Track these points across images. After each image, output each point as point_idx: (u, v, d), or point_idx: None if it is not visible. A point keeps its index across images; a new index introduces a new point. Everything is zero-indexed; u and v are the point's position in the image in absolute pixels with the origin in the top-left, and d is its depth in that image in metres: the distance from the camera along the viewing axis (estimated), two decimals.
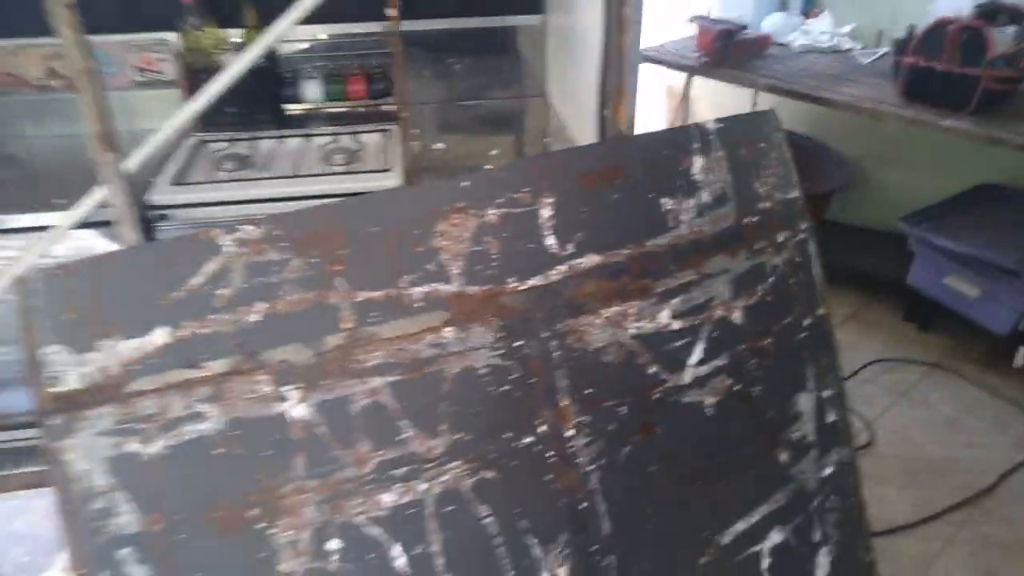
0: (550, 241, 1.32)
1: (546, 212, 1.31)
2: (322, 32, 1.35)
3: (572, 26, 1.83)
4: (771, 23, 3.40)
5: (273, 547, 1.29)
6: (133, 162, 1.35)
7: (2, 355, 1.72)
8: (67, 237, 1.52)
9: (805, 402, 1.63)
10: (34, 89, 1.97)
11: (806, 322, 1.61)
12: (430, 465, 1.33)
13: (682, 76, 3.44)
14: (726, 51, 3.02)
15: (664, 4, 4.22)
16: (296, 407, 1.31)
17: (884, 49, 3.14)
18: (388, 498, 1.32)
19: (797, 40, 3.29)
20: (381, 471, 1.32)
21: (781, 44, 3.33)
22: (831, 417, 1.70)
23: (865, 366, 3.07)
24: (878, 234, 3.42)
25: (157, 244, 1.42)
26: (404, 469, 1.32)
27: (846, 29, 3.32)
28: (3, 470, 1.63)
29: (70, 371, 1.27)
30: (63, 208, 1.56)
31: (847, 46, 3.27)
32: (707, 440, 1.50)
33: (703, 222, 1.44)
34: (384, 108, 2.06)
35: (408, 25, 1.97)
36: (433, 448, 1.33)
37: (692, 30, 3.21)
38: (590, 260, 1.34)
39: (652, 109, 4.55)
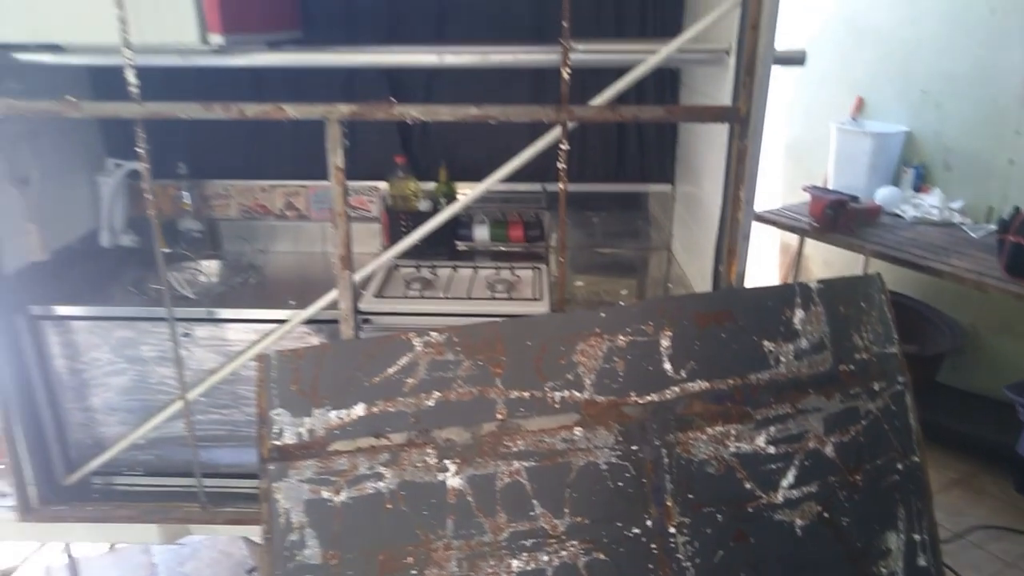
0: (667, 366, 1.60)
1: (665, 342, 1.60)
2: (493, 188, 1.74)
3: (696, 195, 2.19)
4: (883, 195, 3.63)
5: None
6: (358, 277, 1.78)
7: (243, 416, 2.17)
8: (295, 328, 1.96)
9: (895, 541, 1.76)
10: (275, 217, 2.57)
11: (900, 466, 1.76)
12: (553, 541, 1.58)
13: (797, 236, 3.73)
14: (837, 218, 3.28)
15: (786, 172, 4.58)
16: (453, 478, 1.62)
17: (993, 226, 3.27)
18: (516, 564, 1.58)
19: (909, 212, 3.49)
20: (513, 540, 1.59)
21: (894, 214, 3.56)
22: (922, 561, 1.80)
23: (971, 530, 3.01)
24: (989, 401, 3.39)
25: (365, 340, 1.81)
26: (531, 541, 1.58)
27: (956, 204, 3.49)
28: (218, 507, 2.02)
29: (288, 430, 1.65)
30: (292, 307, 2.03)
31: (957, 220, 3.41)
32: (795, 557, 1.66)
33: (801, 365, 1.67)
34: (536, 250, 2.47)
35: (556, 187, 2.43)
36: (557, 526, 1.59)
37: (807, 197, 3.53)
38: (699, 385, 1.60)
39: (768, 262, 4.82)
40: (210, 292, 2.27)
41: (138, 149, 1.58)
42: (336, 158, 1.56)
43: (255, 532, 2.32)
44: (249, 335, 2.04)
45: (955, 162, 3.62)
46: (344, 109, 1.52)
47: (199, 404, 2.02)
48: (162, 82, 1.70)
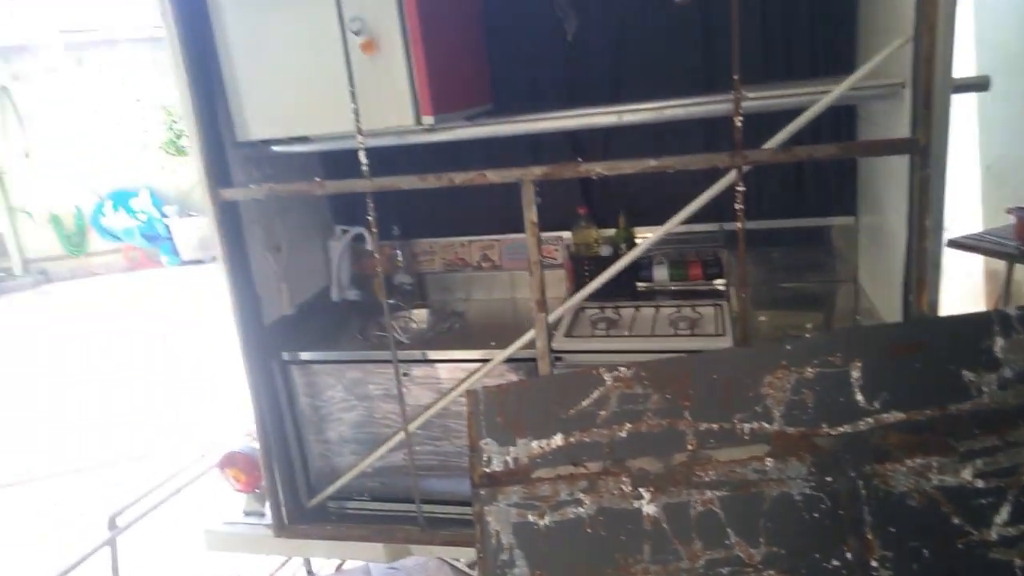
0: (859, 397, 1.59)
1: (856, 373, 1.60)
2: (672, 230, 1.84)
3: (881, 226, 2.14)
4: None
5: None
6: (551, 319, 1.96)
7: (452, 447, 2.42)
8: (496, 367, 2.17)
9: None
10: (473, 268, 2.87)
11: None
12: (750, 570, 1.61)
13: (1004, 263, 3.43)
14: None
15: (988, 195, 4.22)
16: (648, 505, 1.72)
17: None
18: None
19: None
20: (709, 567, 1.64)
21: None
22: None
23: None
24: None
25: (560, 376, 1.97)
26: (728, 569, 1.63)
27: None
28: (434, 530, 2.26)
29: (495, 458, 1.84)
30: (492, 348, 2.24)
31: None
32: None
33: (1007, 395, 1.59)
34: (715, 287, 2.51)
35: (734, 225, 2.47)
36: (753, 556, 1.62)
37: (1013, 220, 3.24)
38: (894, 416, 1.58)
39: (973, 291, 4.42)
40: (421, 337, 2.55)
41: (368, 217, 1.87)
42: (530, 214, 1.74)
43: (466, 553, 2.53)
44: (457, 373, 2.27)
45: None
46: (537, 171, 1.71)
47: (416, 436, 2.27)
48: (372, 159, 1.99)
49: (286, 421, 2.46)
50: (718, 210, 1.84)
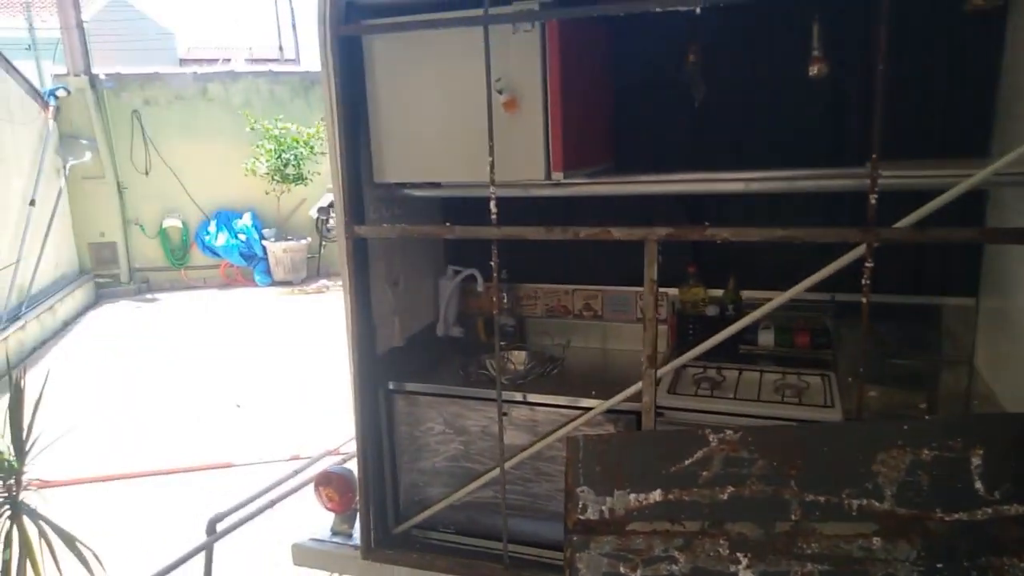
0: (978, 485, 1.58)
1: (976, 460, 1.57)
2: (787, 300, 1.86)
3: (1006, 309, 2.10)
4: None
5: None
6: (659, 373, 2.01)
7: (542, 490, 2.48)
8: (594, 416, 2.22)
9: None
10: (574, 316, 2.95)
11: None
12: None
13: None
14: None
15: None
16: (745, 571, 1.72)
17: None
18: None
19: None
20: None
21: None
22: None
23: None
24: None
25: (664, 432, 2.01)
26: None
27: None
28: (517, 570, 2.30)
29: (591, 506, 1.88)
30: (593, 397, 2.30)
31: None
32: None
33: None
34: (822, 357, 2.48)
35: (846, 297, 2.47)
36: None
37: None
38: (1017, 509, 1.55)
39: None
40: (518, 378, 2.63)
41: (492, 263, 1.98)
42: (651, 272, 1.81)
43: None
44: (554, 417, 2.33)
45: None
46: (662, 231, 1.78)
47: (508, 475, 2.34)
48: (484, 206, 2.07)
49: (384, 448, 2.57)
50: (830, 280, 1.87)
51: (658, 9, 1.73)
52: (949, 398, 2.35)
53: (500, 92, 1.96)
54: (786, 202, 2.41)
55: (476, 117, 1.98)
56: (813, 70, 2.20)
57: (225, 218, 9.81)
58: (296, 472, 3.03)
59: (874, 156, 1.59)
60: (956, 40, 2.33)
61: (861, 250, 1.70)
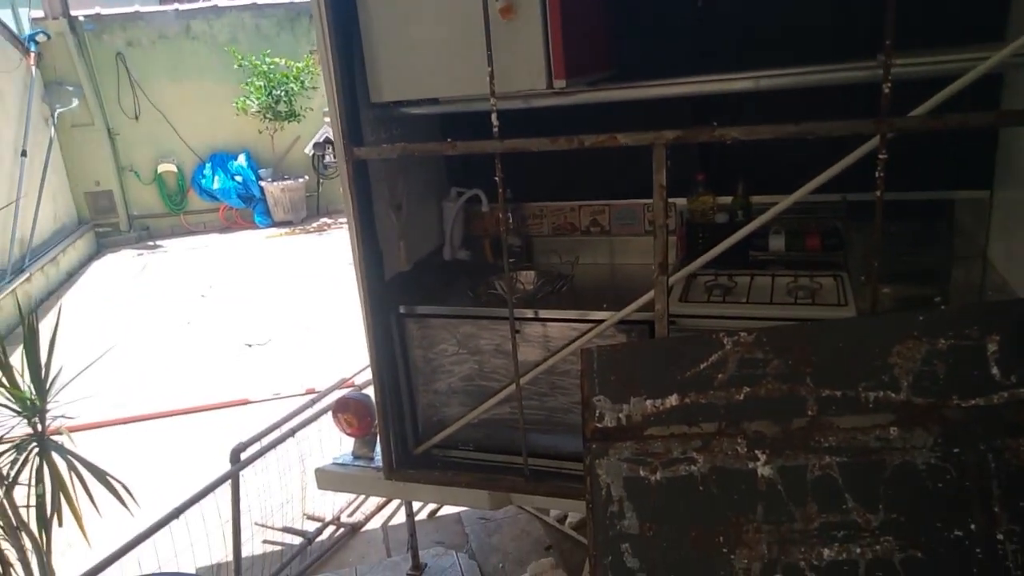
0: (994, 370, 1.58)
1: (992, 347, 1.58)
2: (796, 201, 1.84)
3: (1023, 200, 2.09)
4: None
5: (731, 569, 1.71)
6: (671, 281, 2.01)
7: (558, 403, 2.53)
8: (611, 327, 2.23)
9: None
10: (581, 233, 2.92)
11: None
12: (866, 535, 1.63)
13: None
14: None
15: None
16: (763, 467, 1.75)
17: None
18: (827, 552, 1.66)
19: None
20: (824, 530, 1.67)
21: None
22: None
23: None
24: None
25: (677, 338, 2.01)
26: (843, 532, 1.65)
27: None
28: (538, 482, 2.36)
29: (608, 414, 1.90)
30: (605, 310, 2.30)
31: None
32: None
33: None
34: (833, 259, 2.47)
35: (858, 197, 2.45)
36: (870, 521, 1.64)
37: None
38: None
39: None
40: (528, 297, 2.64)
41: (496, 178, 1.95)
42: (660, 177, 1.79)
43: (566, 505, 2.62)
44: (567, 332, 2.34)
45: None
46: (669, 135, 1.75)
47: (524, 391, 2.36)
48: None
49: (399, 371, 2.60)
50: (839, 180, 1.84)
51: None
52: (963, 291, 2.34)
53: None
54: (797, 101, 2.35)
55: (472, 27, 1.92)
56: None
57: (220, 160, 9.69)
58: (314, 401, 3.08)
59: (887, 42, 1.54)
60: None
61: (874, 143, 1.66)
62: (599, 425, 1.91)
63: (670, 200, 2.70)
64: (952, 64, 1.71)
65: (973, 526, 1.57)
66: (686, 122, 2.58)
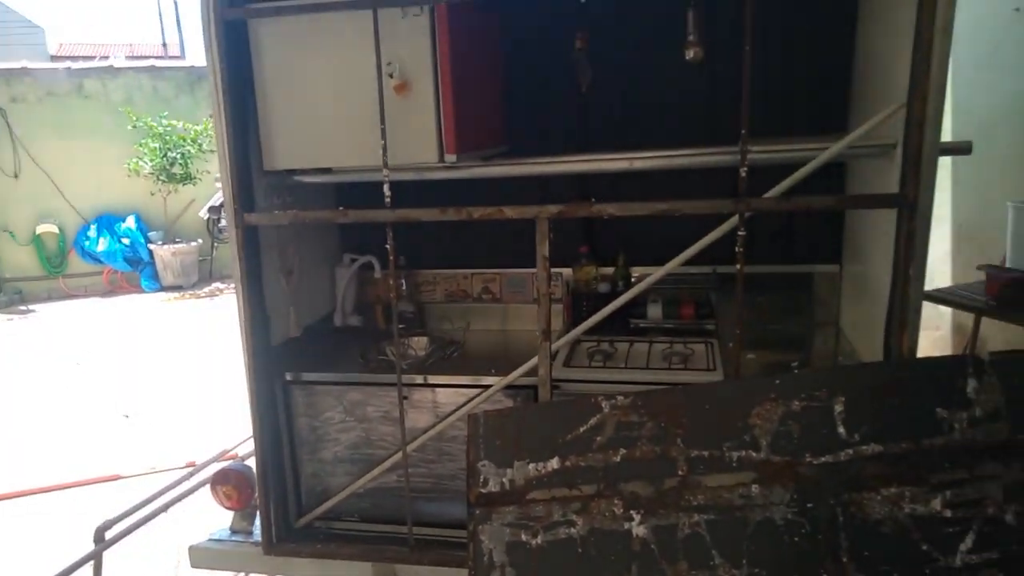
0: (840, 430, 1.73)
1: (839, 407, 1.73)
2: (668, 272, 2.00)
3: (866, 274, 2.31)
4: None
5: None
6: (554, 347, 2.09)
7: (446, 470, 2.52)
8: (495, 394, 2.28)
9: None
10: (472, 299, 2.99)
11: None
12: None
13: (971, 315, 3.64)
14: (1016, 297, 3.20)
15: (958, 253, 4.47)
16: (638, 527, 1.82)
17: None
18: None
19: None
20: None
21: None
22: None
23: None
24: None
25: (559, 402, 2.08)
26: None
27: None
28: (423, 551, 2.32)
29: (492, 479, 1.93)
30: (493, 375, 2.35)
31: None
32: None
33: (976, 432, 1.72)
34: (706, 326, 2.66)
35: (726, 269, 2.65)
36: None
37: (982, 276, 3.46)
38: (872, 448, 1.71)
39: (940, 343, 4.64)
40: (420, 364, 2.66)
41: (387, 246, 2.00)
42: (543, 249, 1.88)
43: (453, 574, 2.58)
44: (455, 398, 2.37)
45: None
46: (552, 209, 1.86)
47: (411, 458, 2.36)
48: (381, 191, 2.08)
49: (283, 440, 2.53)
50: (711, 254, 2.00)
51: None
52: (820, 357, 2.55)
53: (391, 76, 1.99)
54: (672, 183, 2.54)
55: (367, 101, 2.00)
56: (689, 54, 2.35)
57: (107, 222, 9.28)
58: (191, 474, 2.93)
59: (743, 131, 1.72)
60: (817, 28, 2.54)
61: (735, 220, 1.83)
62: (483, 490, 1.94)
63: (557, 270, 2.87)
64: (801, 152, 1.92)
65: None
66: (573, 197, 2.76)
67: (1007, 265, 3.71)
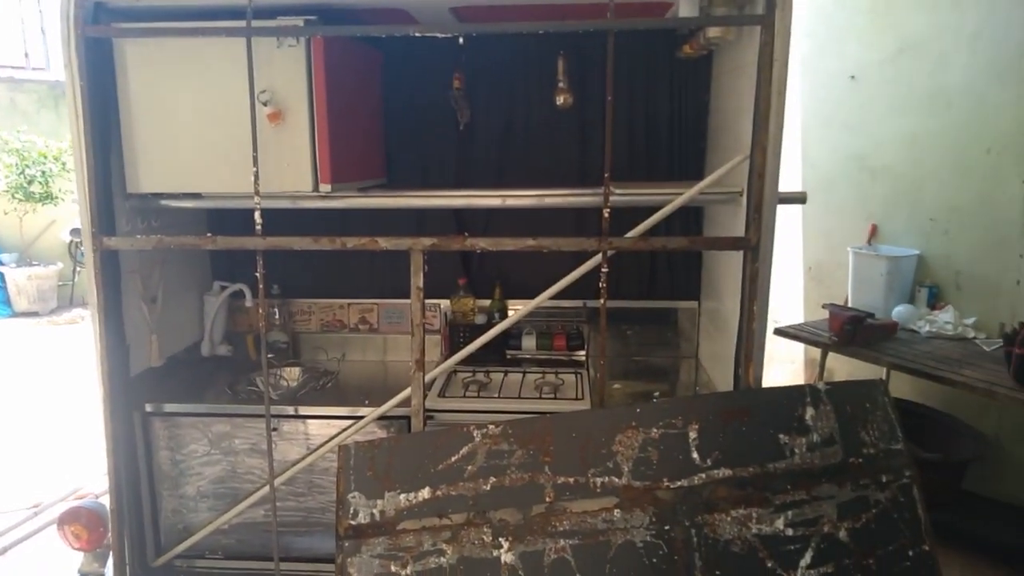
0: (695, 455, 1.83)
1: (693, 434, 1.84)
2: (541, 304, 2.07)
3: (719, 310, 2.47)
4: (899, 312, 3.83)
5: None
6: (428, 378, 2.08)
7: (317, 503, 2.43)
8: (368, 424, 2.24)
9: None
10: (348, 330, 2.93)
11: (911, 553, 1.92)
12: None
13: (819, 350, 3.96)
14: (855, 333, 3.50)
15: (809, 293, 4.86)
16: (506, 554, 1.83)
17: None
18: None
19: (924, 328, 3.69)
20: None
21: (911, 330, 3.77)
22: None
23: None
24: (1017, 508, 3.44)
25: (432, 432, 2.07)
26: None
27: (970, 321, 3.70)
28: None
29: (362, 510, 1.90)
30: (366, 406, 2.32)
31: (971, 335, 3.60)
32: None
33: (814, 456, 1.88)
34: (576, 358, 2.77)
35: (594, 303, 2.76)
36: None
37: (827, 314, 3.78)
38: (723, 472, 1.82)
39: (795, 375, 5.00)
40: (292, 394, 2.59)
41: (258, 274, 1.94)
42: (417, 280, 1.89)
43: None
44: (327, 430, 2.32)
45: (965, 283, 3.86)
46: (426, 242, 1.88)
47: (279, 492, 2.28)
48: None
49: (141, 475, 2.38)
50: (582, 289, 2.08)
51: (416, 34, 1.83)
52: (682, 388, 2.69)
53: (265, 104, 1.95)
54: (547, 219, 2.64)
55: (240, 127, 1.95)
56: (559, 100, 2.45)
57: None
58: (36, 513, 2.69)
59: (606, 175, 1.81)
60: (677, 84, 2.72)
61: (600, 258, 1.92)
62: (352, 522, 1.89)
63: (436, 301, 2.89)
64: (660, 197, 2.04)
65: None
66: (450, 229, 2.80)
67: (849, 303, 4.07)
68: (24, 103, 8.77)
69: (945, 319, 3.71)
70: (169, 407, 2.38)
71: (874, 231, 4.30)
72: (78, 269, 9.02)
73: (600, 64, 2.63)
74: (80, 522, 2.36)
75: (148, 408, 2.36)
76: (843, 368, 4.40)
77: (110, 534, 2.28)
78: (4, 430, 5.47)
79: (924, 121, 4.01)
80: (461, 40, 2.10)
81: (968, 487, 3.61)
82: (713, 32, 2.11)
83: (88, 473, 3.49)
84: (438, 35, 1.86)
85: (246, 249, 1.95)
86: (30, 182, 8.13)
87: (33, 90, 8.84)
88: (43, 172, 8.18)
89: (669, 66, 2.68)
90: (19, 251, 8.64)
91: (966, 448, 3.53)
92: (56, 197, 8.37)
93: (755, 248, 1.89)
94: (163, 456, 2.41)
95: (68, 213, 8.53)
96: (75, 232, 8.46)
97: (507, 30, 2.10)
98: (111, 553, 2.27)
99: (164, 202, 2.21)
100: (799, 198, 2.14)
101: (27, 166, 8.10)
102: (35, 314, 8.60)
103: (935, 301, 3.95)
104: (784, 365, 4.93)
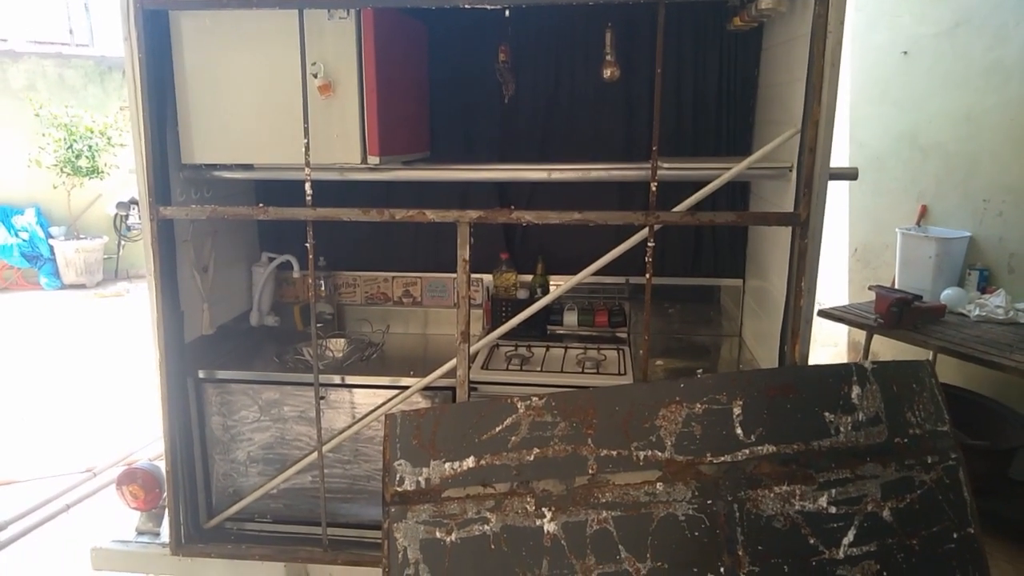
0: (738, 431, 1.84)
1: (737, 410, 1.85)
2: (583, 280, 2.08)
3: (764, 288, 2.47)
4: (948, 295, 3.77)
5: None
6: (472, 350, 2.12)
7: (362, 471, 2.51)
8: (412, 395, 2.30)
9: None
10: (393, 303, 3.00)
11: (956, 535, 1.91)
12: None
13: (864, 332, 3.91)
14: (901, 315, 3.45)
15: (854, 274, 4.79)
16: (549, 524, 1.88)
17: None
18: None
19: (974, 311, 3.62)
20: None
21: (959, 314, 3.70)
22: None
23: None
24: None
25: (476, 403, 2.11)
26: None
27: (1022, 305, 3.65)
28: (337, 551, 2.31)
29: (408, 477, 1.96)
30: (411, 376, 2.37)
31: (1023, 320, 3.59)
32: None
33: (859, 435, 1.88)
34: (618, 334, 2.79)
35: (637, 279, 2.77)
36: (640, 570, 1.80)
37: (873, 296, 3.73)
38: (767, 449, 1.83)
39: (837, 358, 4.94)
40: (337, 364, 2.65)
41: (308, 244, 1.99)
42: (464, 252, 1.93)
43: (365, 574, 2.58)
44: (372, 399, 2.38)
45: (1019, 265, 3.77)
46: (473, 214, 1.90)
47: (327, 459, 2.35)
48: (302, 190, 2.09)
49: (194, 439, 2.47)
50: (624, 266, 2.09)
51: (466, 6, 1.85)
52: (724, 365, 2.69)
53: (316, 76, 1.99)
54: (589, 194, 2.65)
55: (291, 99, 1.99)
56: (606, 73, 2.45)
57: (3, 214, 8.73)
58: (94, 474, 2.82)
59: (654, 148, 1.81)
60: (726, 57, 2.69)
61: (646, 232, 1.93)
62: (399, 489, 1.96)
63: (478, 276, 2.92)
64: (707, 171, 2.04)
65: (722, 569, 1.79)
66: (494, 204, 2.82)
67: (896, 286, 4.01)
68: (71, 78, 8.98)
69: (996, 303, 3.63)
70: (221, 374, 2.46)
71: (924, 212, 4.22)
72: (122, 243, 9.26)
73: (648, 37, 2.61)
74: (137, 483, 2.46)
75: (201, 374, 2.45)
76: (888, 351, 4.34)
77: (165, 495, 2.37)
78: (58, 397, 5.69)
79: (980, 97, 3.90)
80: (507, 12, 2.11)
81: (1015, 475, 3.55)
82: (765, 3, 2.09)
83: (138, 439, 3.63)
84: (486, 6, 1.87)
85: (295, 220, 2.01)
86: (78, 156, 8.35)
87: (80, 65, 9.03)
88: (90, 147, 8.39)
89: (718, 39, 2.65)
90: (67, 224, 8.89)
91: (1014, 435, 3.46)
92: (102, 171, 8.58)
93: (804, 223, 1.88)
94: (215, 422, 2.50)
95: (113, 187, 8.75)
96: (121, 206, 8.69)
97: (555, 1, 2.09)
98: (166, 513, 2.37)
99: (217, 173, 2.27)
100: (850, 174, 2.11)
101: (75, 140, 8.30)
102: (82, 286, 8.86)
103: (986, 284, 3.86)
104: (827, 348, 4.88)
